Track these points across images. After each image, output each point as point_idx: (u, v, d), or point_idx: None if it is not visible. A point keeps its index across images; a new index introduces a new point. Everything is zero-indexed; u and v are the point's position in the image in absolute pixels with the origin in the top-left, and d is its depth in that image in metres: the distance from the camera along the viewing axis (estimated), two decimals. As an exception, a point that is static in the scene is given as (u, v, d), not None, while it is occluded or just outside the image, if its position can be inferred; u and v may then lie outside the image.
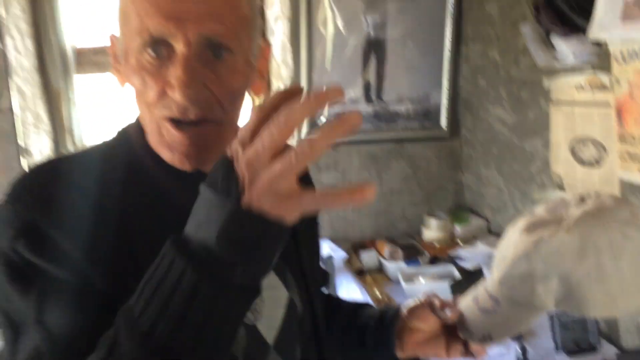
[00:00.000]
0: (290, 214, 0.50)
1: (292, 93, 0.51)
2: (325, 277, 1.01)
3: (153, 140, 0.68)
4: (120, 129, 0.74)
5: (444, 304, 0.85)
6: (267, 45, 0.74)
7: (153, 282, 0.52)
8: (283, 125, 0.47)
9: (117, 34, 0.68)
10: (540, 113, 1.93)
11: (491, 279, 0.77)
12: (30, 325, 0.60)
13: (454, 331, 0.83)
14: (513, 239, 0.73)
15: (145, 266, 0.55)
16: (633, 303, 0.69)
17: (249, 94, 0.72)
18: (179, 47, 0.61)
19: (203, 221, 0.51)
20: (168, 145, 0.66)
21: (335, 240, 2.43)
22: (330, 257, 2.18)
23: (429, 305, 0.85)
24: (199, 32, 0.60)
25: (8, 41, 1.99)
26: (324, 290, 1.01)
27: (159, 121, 0.65)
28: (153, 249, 0.55)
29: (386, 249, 2.28)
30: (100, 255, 0.61)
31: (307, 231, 0.84)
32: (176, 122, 0.63)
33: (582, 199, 0.71)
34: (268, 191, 0.48)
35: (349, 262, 2.32)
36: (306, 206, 0.50)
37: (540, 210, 0.74)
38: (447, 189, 2.55)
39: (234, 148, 0.51)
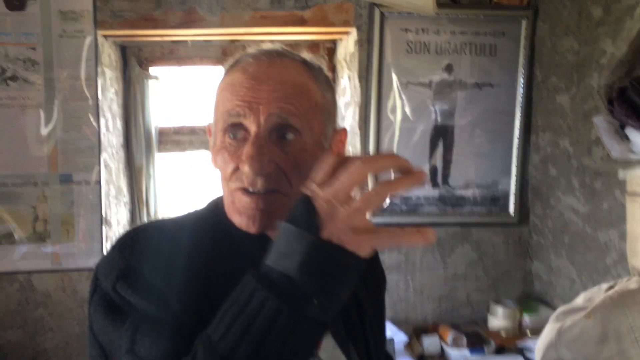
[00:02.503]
0: (365, 248, 0.55)
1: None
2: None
3: (228, 209, 0.76)
4: (211, 200, 0.84)
5: None
6: (344, 130, 0.82)
7: (234, 309, 0.57)
8: (360, 169, 0.55)
9: (212, 121, 0.79)
10: (615, 204, 1.89)
11: None
12: (122, 355, 0.66)
13: None
14: (545, 328, 0.74)
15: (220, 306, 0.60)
16: None
17: None
18: (252, 127, 0.70)
19: (284, 253, 0.56)
20: (238, 211, 0.73)
21: (396, 323, 2.39)
22: (390, 340, 2.14)
23: None
24: (269, 113, 0.69)
25: (101, 121, 2.17)
26: None
27: (233, 192, 0.73)
28: (228, 293, 0.61)
29: (449, 334, 2.22)
30: (186, 298, 0.68)
31: (373, 311, 0.86)
32: (246, 191, 0.71)
33: (611, 287, 0.71)
34: (346, 226, 0.55)
35: (409, 347, 2.26)
36: (379, 241, 0.55)
37: (579, 298, 0.74)
38: (515, 276, 2.49)
39: (312, 188, 0.57)
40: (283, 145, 0.70)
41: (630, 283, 0.70)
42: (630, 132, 1.76)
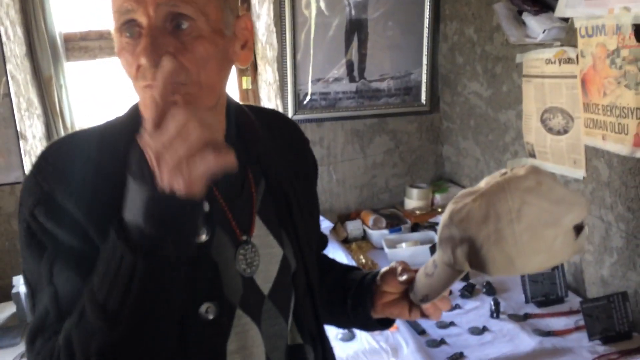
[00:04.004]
0: (194, 190, 0.60)
1: None
2: (324, 240, 1.11)
3: (142, 111, 0.76)
4: (131, 106, 0.82)
5: (404, 269, 0.91)
6: (247, 16, 0.80)
7: (104, 261, 0.64)
8: (183, 119, 0.58)
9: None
10: (513, 86, 2.06)
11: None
12: (43, 286, 0.70)
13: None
14: (446, 208, 0.81)
15: None
16: (529, 264, 0.75)
17: (236, 64, 0.79)
18: (143, 20, 0.68)
19: (131, 206, 0.62)
20: (147, 105, 0.72)
21: (322, 212, 2.54)
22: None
23: (393, 270, 0.92)
24: (157, 4, 0.67)
25: (0, 29, 2.03)
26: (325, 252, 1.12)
27: (141, 91, 0.72)
28: None
29: (370, 218, 2.42)
30: (105, 223, 0.69)
31: (301, 198, 0.92)
32: (151, 87, 0.70)
33: (504, 173, 0.78)
34: (174, 173, 0.59)
35: (335, 232, 2.44)
36: (204, 179, 0.60)
37: (482, 182, 0.80)
38: (428, 160, 2.69)
39: (143, 137, 0.60)
40: (179, 34, 0.69)
41: (520, 170, 0.77)
42: (526, 17, 1.89)
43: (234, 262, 0.79)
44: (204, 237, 0.75)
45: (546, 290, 1.79)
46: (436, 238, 0.84)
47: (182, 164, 0.58)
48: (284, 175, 0.89)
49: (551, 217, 0.73)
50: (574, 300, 1.77)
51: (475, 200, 0.76)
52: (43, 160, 0.74)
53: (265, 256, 0.82)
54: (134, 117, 0.78)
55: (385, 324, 0.97)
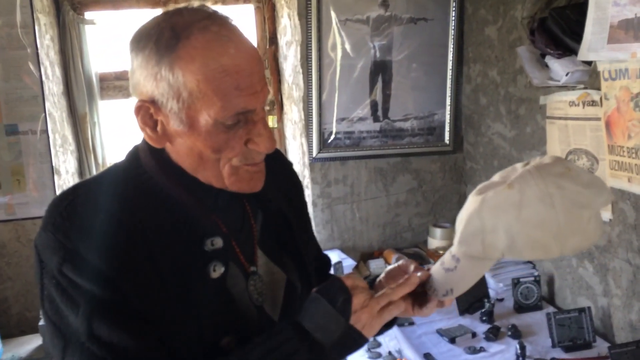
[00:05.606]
0: (374, 333, 0.77)
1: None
2: (327, 261, 1.13)
3: (226, 180, 0.79)
4: (130, 151, 0.85)
5: (417, 268, 0.90)
6: None
7: (264, 348, 0.74)
8: (395, 296, 0.78)
9: (166, 103, 0.74)
10: (537, 128, 2.07)
11: (454, 241, 0.84)
12: (82, 340, 0.71)
13: (420, 293, 0.88)
14: (467, 202, 0.81)
15: (168, 280, 0.73)
16: (566, 245, 0.77)
17: None
18: (259, 113, 0.76)
19: (321, 326, 0.75)
20: (242, 179, 0.79)
21: (345, 250, 2.56)
22: (339, 263, 2.31)
23: (404, 268, 0.91)
24: (264, 97, 0.77)
25: (41, 69, 2.14)
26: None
27: (238, 166, 0.78)
28: (173, 263, 0.74)
29: (393, 257, 2.41)
30: (130, 274, 0.73)
31: (300, 221, 0.97)
32: (252, 164, 0.79)
33: (527, 163, 0.79)
34: (370, 321, 0.75)
35: (357, 270, 2.44)
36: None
37: (495, 177, 0.81)
38: (451, 200, 2.69)
39: (359, 289, 0.76)
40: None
41: (545, 159, 0.79)
42: (549, 60, 1.91)
43: (246, 293, 0.83)
44: (219, 273, 0.79)
45: (573, 335, 1.75)
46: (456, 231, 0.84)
47: (382, 312, 0.77)
48: (279, 202, 0.93)
49: (586, 199, 0.76)
50: (602, 346, 1.73)
51: (509, 186, 0.76)
52: (58, 217, 0.75)
53: (269, 283, 0.87)
54: (132, 162, 0.82)
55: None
